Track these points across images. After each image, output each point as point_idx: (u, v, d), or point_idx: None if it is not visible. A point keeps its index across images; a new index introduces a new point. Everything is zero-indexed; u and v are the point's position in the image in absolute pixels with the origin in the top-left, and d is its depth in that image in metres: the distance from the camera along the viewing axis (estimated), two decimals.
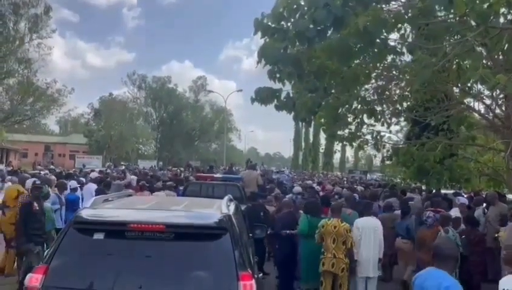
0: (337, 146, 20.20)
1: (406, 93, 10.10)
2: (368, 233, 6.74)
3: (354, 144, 11.13)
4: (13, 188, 8.63)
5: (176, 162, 48.51)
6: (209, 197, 7.72)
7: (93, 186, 10.49)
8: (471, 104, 10.23)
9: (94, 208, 3.86)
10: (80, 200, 9.34)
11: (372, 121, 10.52)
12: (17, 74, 30.05)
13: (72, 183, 10.05)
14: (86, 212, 3.71)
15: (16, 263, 7.79)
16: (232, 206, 4.30)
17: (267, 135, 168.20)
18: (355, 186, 17.68)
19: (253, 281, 3.33)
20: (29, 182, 8.55)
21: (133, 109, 58.48)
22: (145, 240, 3.38)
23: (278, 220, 7.80)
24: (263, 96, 9.70)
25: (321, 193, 12.74)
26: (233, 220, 3.74)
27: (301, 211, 7.77)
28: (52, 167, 26.75)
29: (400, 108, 10.68)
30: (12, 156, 42.74)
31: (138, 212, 3.91)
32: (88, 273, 3.30)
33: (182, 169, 28.86)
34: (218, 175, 15.37)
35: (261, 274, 4.15)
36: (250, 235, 5.64)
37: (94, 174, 14.79)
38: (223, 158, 49.67)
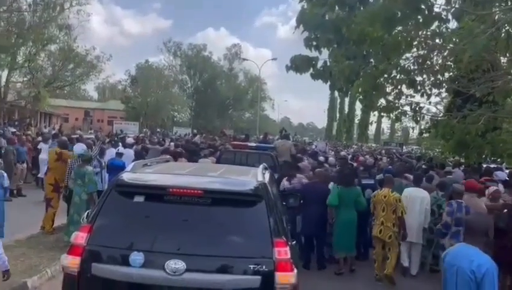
0: (373, 117, 19.86)
1: (449, 63, 9.67)
2: (414, 202, 7.10)
3: (391, 115, 10.88)
4: (52, 151, 9.08)
5: (210, 130, 49.03)
6: (243, 165, 7.77)
7: (131, 152, 10.82)
8: None
9: (134, 172, 3.95)
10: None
11: (411, 92, 10.21)
12: (58, 40, 30.76)
13: (120, 149, 10.42)
14: (127, 176, 3.80)
15: (53, 222, 8.28)
16: (267, 175, 4.34)
17: (300, 104, 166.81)
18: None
19: (287, 248, 3.40)
20: (78, 147, 8.85)
21: (169, 77, 58.96)
22: (183, 204, 3.48)
23: (302, 190, 7.72)
24: (299, 64, 9.59)
25: (355, 164, 12.62)
26: (268, 188, 3.78)
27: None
28: (91, 131, 27.69)
29: (441, 78, 10.25)
30: (54, 121, 44.55)
31: (177, 177, 3.98)
32: (128, 234, 3.45)
33: (217, 137, 29.27)
34: (252, 144, 15.55)
35: (294, 242, 4.19)
36: (284, 203, 5.70)
37: (129, 140, 15.15)
38: (256, 127, 49.76)
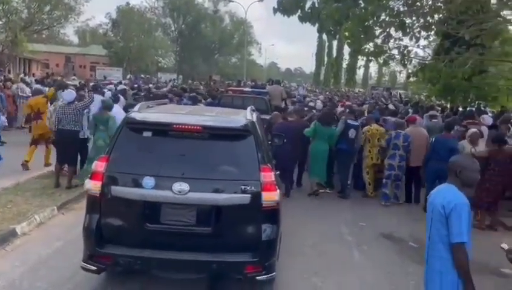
0: (361, 61, 19.66)
1: (439, 4, 9.46)
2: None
3: (379, 59, 10.78)
4: (39, 98, 9.63)
5: (194, 76, 48.11)
6: (239, 108, 8.13)
7: (122, 99, 10.69)
8: (508, 17, 9.56)
9: (140, 112, 4.51)
10: None
11: (400, 35, 10.05)
12: None
13: (107, 94, 10.63)
14: (136, 115, 4.37)
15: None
16: (255, 115, 4.88)
17: (288, 49, 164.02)
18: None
19: (272, 173, 4.10)
20: (67, 94, 8.63)
21: (151, 20, 56.79)
22: (185, 139, 4.07)
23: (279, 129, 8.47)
24: (286, 6, 9.29)
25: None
26: (256, 126, 4.41)
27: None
28: (74, 77, 26.97)
29: (431, 20, 10.07)
30: (34, 67, 43.12)
31: (179, 116, 4.61)
32: (140, 163, 4.04)
33: (202, 83, 29.29)
34: (247, 89, 17.53)
35: (278, 172, 4.76)
36: (269, 142, 6.46)
37: (121, 87, 15.12)
38: (243, 73, 48.97)
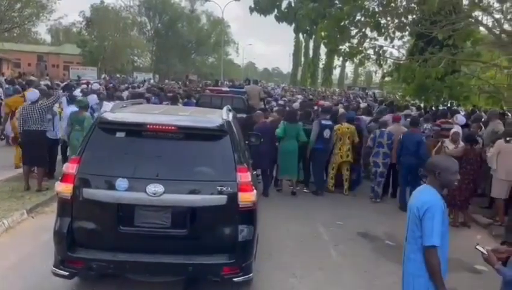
0: (337, 61, 19.88)
1: (413, 5, 9.60)
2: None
3: (355, 59, 10.86)
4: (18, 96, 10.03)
5: (170, 76, 47.61)
6: (218, 108, 8.12)
7: (94, 97, 10.45)
8: (480, 17, 9.79)
9: (114, 112, 4.37)
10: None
11: (375, 35, 10.15)
12: None
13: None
14: (108, 115, 4.21)
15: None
16: (231, 115, 4.79)
17: (266, 49, 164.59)
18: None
19: (248, 173, 4.03)
20: (31, 94, 8.39)
21: (126, 19, 55.90)
22: (159, 139, 3.99)
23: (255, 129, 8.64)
24: (263, 5, 9.26)
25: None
26: (232, 125, 4.33)
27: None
28: (47, 77, 26.24)
29: (405, 21, 10.22)
30: (5, 66, 41.79)
31: (153, 116, 4.47)
32: (113, 164, 3.93)
33: (179, 82, 29.10)
34: (225, 89, 17.72)
35: (255, 172, 4.79)
36: (246, 142, 6.36)
37: (96, 86, 14.77)
38: (220, 72, 48.76)
